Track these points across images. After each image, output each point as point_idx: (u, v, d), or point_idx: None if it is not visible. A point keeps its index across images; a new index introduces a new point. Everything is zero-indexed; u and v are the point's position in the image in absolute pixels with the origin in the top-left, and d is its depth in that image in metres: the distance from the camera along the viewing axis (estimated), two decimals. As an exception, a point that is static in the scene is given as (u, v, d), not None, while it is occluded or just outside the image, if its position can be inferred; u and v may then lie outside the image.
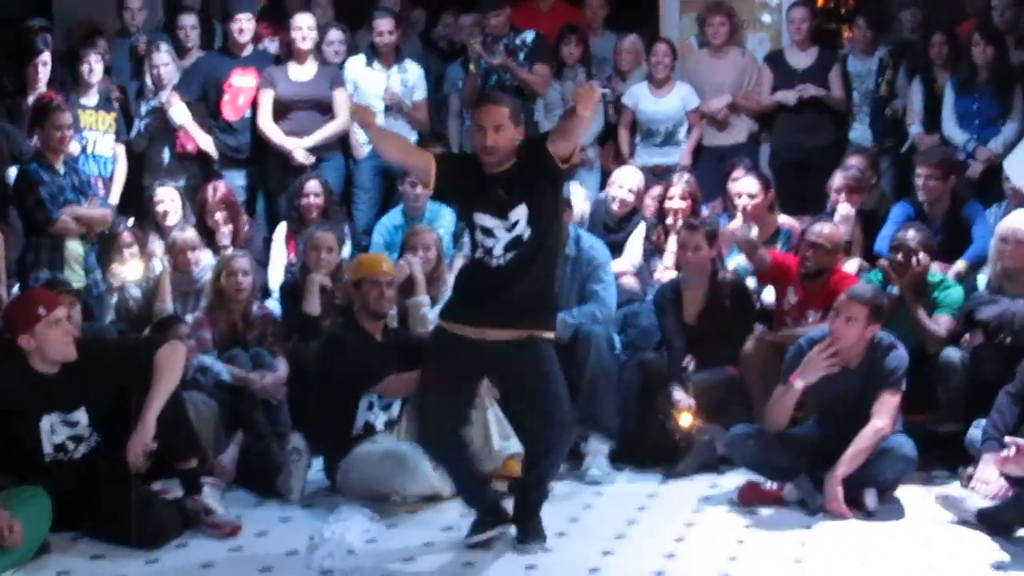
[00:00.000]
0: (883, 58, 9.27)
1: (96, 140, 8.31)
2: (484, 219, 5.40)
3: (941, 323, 6.71)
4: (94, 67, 8.44)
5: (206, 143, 8.81)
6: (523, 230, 5.35)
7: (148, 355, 5.78)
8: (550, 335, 5.50)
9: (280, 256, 8.27)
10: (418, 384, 6.11)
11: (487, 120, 5.39)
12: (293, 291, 7.44)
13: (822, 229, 7.00)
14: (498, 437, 6.32)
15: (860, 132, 9.20)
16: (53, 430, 5.68)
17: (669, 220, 7.81)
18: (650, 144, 9.11)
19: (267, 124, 8.88)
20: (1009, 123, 8.32)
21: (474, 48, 9.17)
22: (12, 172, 7.37)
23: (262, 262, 8.11)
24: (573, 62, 9.27)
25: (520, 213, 5.34)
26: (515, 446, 6.23)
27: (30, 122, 7.75)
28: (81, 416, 5.73)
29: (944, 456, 6.32)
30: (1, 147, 7.22)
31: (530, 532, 5.50)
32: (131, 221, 8.05)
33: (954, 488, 5.97)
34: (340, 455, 6.38)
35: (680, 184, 7.93)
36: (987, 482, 5.76)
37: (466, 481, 5.71)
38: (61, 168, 7.36)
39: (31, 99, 8.13)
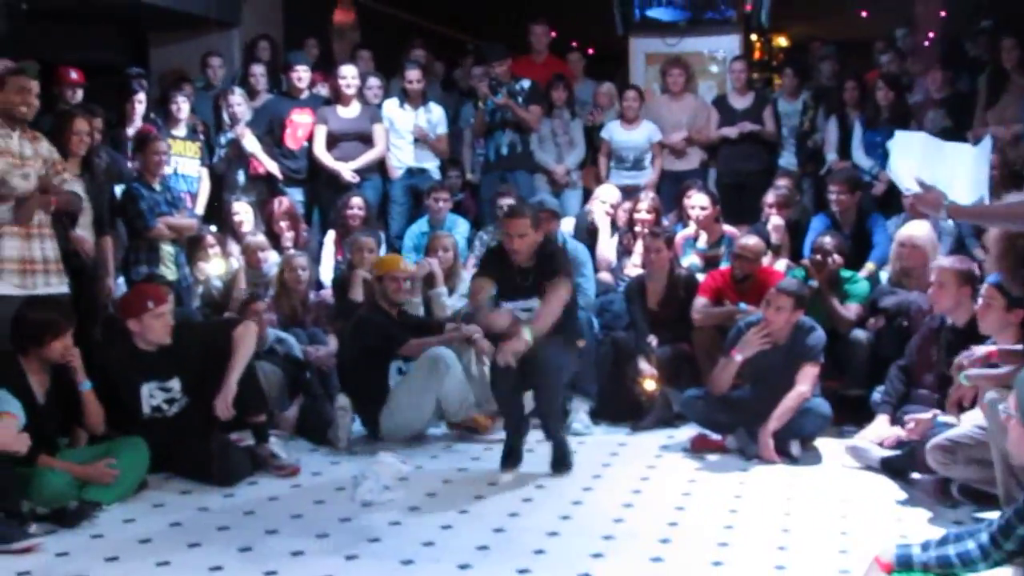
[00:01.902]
0: (806, 100, 9.31)
1: (185, 164, 8.31)
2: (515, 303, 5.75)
3: (850, 310, 6.72)
4: (181, 106, 8.43)
5: (272, 167, 8.82)
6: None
7: (226, 334, 5.82)
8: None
9: (329, 256, 8.27)
10: (423, 346, 6.43)
11: (513, 230, 5.71)
12: (342, 283, 7.45)
13: (745, 242, 7.00)
14: (473, 395, 6.49)
15: (787, 159, 9.23)
16: (151, 395, 5.72)
17: (637, 228, 7.81)
18: (621, 169, 9.13)
19: (321, 152, 8.89)
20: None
21: (482, 91, 9.18)
22: (118, 189, 7.37)
23: (316, 261, 8.12)
24: (561, 103, 9.28)
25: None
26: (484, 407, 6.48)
27: (133, 149, 7.76)
28: (175, 383, 5.77)
29: (852, 414, 6.31)
30: (109, 168, 7.20)
31: (557, 460, 5.79)
32: (213, 228, 8.08)
33: (860, 440, 5.98)
34: (379, 407, 6.43)
35: (646, 200, 7.93)
36: (880, 435, 5.77)
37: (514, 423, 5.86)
38: (157, 186, 7.36)
39: (130, 131, 8.14)
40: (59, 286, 5.89)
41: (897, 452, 5.51)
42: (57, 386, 5.35)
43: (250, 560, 4.56)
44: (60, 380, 5.35)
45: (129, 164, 7.76)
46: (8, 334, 5.29)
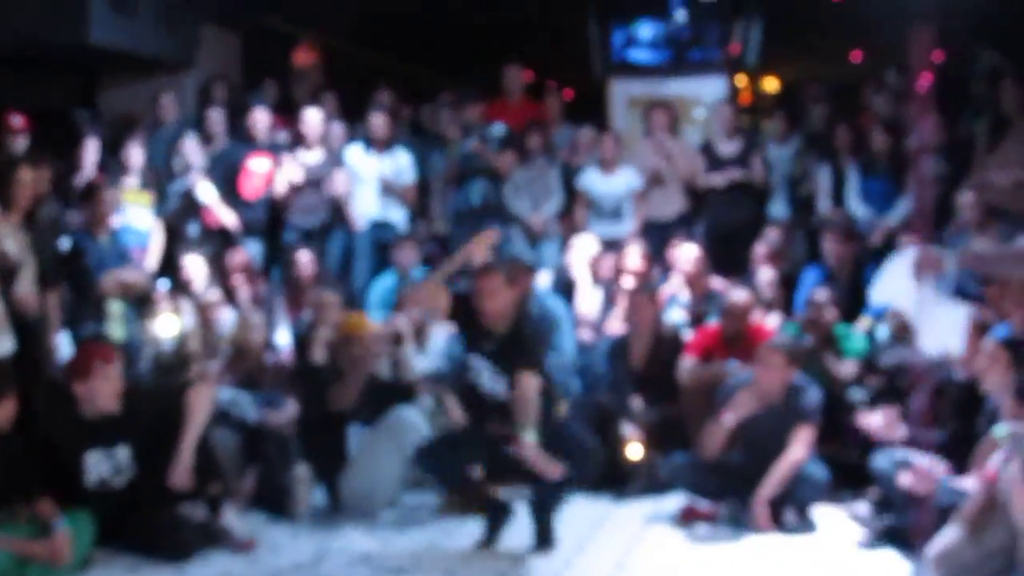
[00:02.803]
0: (798, 145, 9.37)
1: (136, 215, 8.29)
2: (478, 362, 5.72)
3: (847, 367, 6.75)
4: (134, 153, 8.44)
5: (229, 218, 8.80)
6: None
7: (178, 399, 5.78)
8: None
9: (282, 315, 8.25)
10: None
11: (485, 288, 5.66)
12: (301, 343, 7.41)
13: (734, 300, 7.03)
14: None
15: (778, 208, 9.25)
16: (97, 464, 5.65)
17: (623, 282, 7.82)
18: (599, 218, 9.11)
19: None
20: (903, 200, 8.40)
21: (452, 136, 9.21)
22: (64, 243, 7.33)
23: (274, 319, 8.09)
24: (536, 149, 9.30)
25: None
26: None
27: (80, 199, 7.73)
28: (122, 452, 5.71)
29: (850, 480, 6.28)
30: (55, 221, 7.18)
31: (540, 535, 5.69)
32: (165, 283, 8.03)
33: (861, 508, 5.97)
34: (338, 474, 6.38)
35: (636, 249, 7.97)
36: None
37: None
38: (105, 239, 7.33)
39: (78, 180, 8.11)
40: (5, 346, 5.85)
41: (895, 521, 5.49)
42: (2, 455, 5.27)
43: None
44: (4, 448, 5.27)
45: (75, 216, 7.73)
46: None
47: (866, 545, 5.56)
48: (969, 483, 4.99)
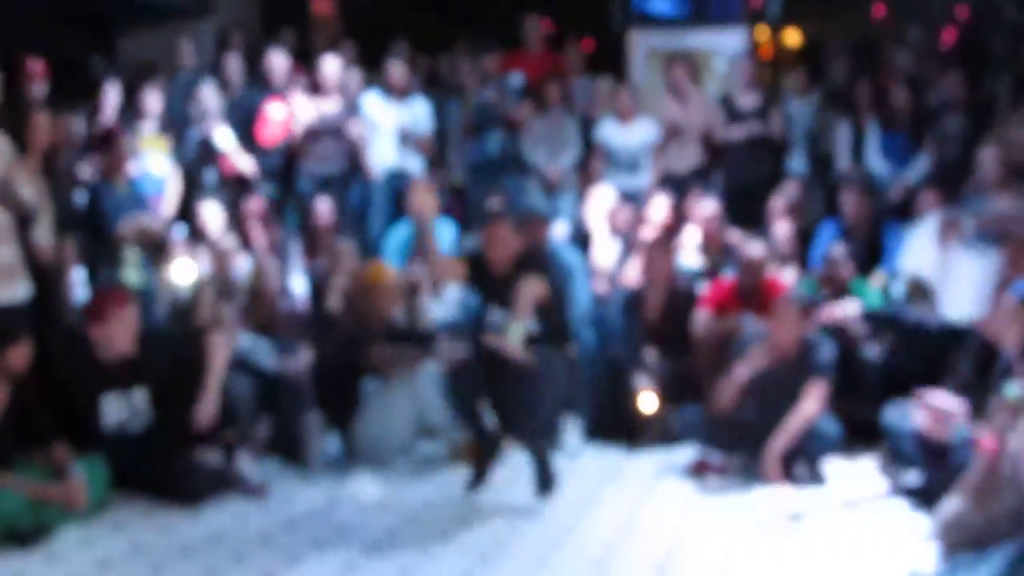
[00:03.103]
0: (817, 101, 9.32)
1: (153, 162, 8.30)
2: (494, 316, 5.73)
3: (851, 306, 6.73)
4: (151, 99, 8.44)
5: (246, 164, 8.80)
6: None
7: (196, 344, 5.82)
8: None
9: (298, 263, 8.27)
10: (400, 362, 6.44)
11: (492, 237, 5.77)
12: (317, 291, 7.45)
13: (750, 254, 7.02)
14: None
15: (797, 163, 9.22)
16: (113, 408, 5.71)
17: (642, 234, 7.82)
18: (616, 170, 9.10)
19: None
20: (922, 155, 8.37)
21: (470, 87, 9.18)
22: (81, 189, 7.35)
23: (290, 267, 8.12)
24: (555, 100, 9.26)
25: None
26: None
27: (97, 146, 7.74)
28: (139, 396, 5.76)
29: (862, 436, 6.29)
30: (73, 168, 7.20)
31: (540, 480, 5.73)
32: (182, 230, 8.06)
33: (872, 463, 5.99)
34: (352, 422, 6.42)
35: (662, 201, 7.96)
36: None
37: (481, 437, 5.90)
38: (122, 186, 7.35)
39: (96, 127, 8.12)
40: (20, 292, 5.90)
41: (920, 483, 5.50)
42: (16, 400, 5.32)
43: (216, 586, 4.57)
44: (17, 396, 5.32)
45: (93, 162, 7.74)
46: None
47: (889, 497, 5.57)
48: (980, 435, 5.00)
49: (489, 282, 5.81)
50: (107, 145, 7.42)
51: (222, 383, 5.89)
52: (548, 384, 5.72)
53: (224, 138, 8.74)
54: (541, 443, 5.80)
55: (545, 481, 5.74)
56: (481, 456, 5.84)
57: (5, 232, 5.88)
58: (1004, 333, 5.29)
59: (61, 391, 5.57)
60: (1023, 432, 4.41)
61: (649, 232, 7.73)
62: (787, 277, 7.35)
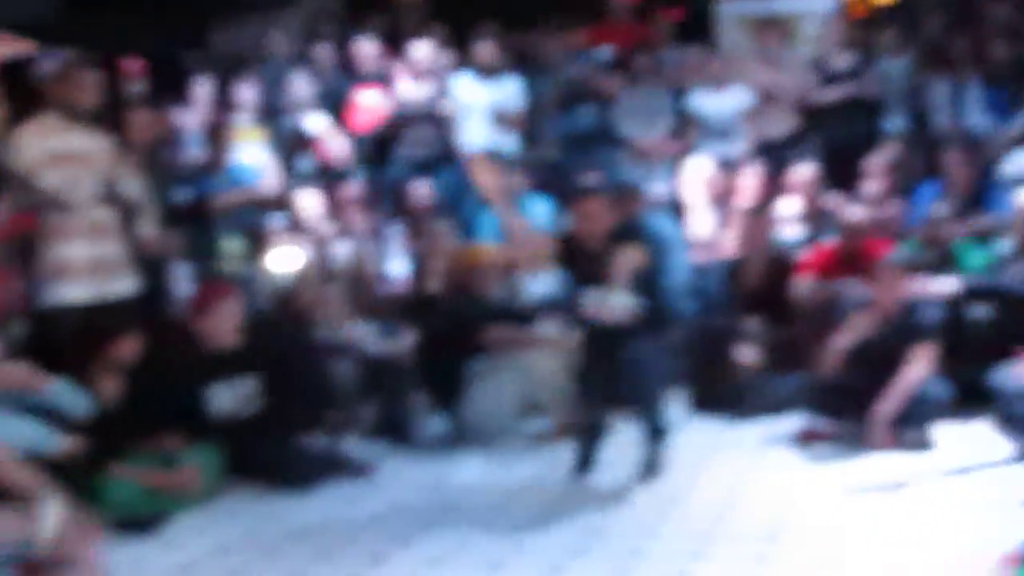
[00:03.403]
0: (912, 58, 9.16)
1: (248, 153, 8.42)
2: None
3: (949, 283, 6.60)
4: (244, 91, 8.55)
5: (340, 149, 8.88)
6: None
7: (298, 329, 5.92)
8: None
9: (397, 246, 8.34)
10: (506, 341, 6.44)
11: (584, 213, 5.66)
12: (418, 274, 7.51)
13: (850, 217, 6.93)
14: None
15: (893, 123, 9.07)
16: (222, 397, 5.81)
17: (737, 203, 7.76)
18: (711, 139, 9.02)
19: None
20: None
21: (559, 63, 9.16)
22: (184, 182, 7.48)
23: (387, 251, 8.19)
24: (644, 72, 9.21)
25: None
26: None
27: (203, 140, 7.82)
28: (247, 383, 5.86)
29: (972, 398, 6.16)
30: (173, 162, 7.34)
31: (647, 464, 5.65)
32: (281, 219, 8.16)
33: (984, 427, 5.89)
34: (458, 403, 6.46)
35: (751, 173, 7.89)
36: None
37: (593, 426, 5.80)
38: (222, 178, 7.46)
39: (192, 119, 8.25)
40: (130, 286, 6.05)
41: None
42: (128, 391, 5.45)
43: (329, 567, 4.64)
44: (129, 387, 5.45)
45: (193, 155, 7.88)
46: (76, 340, 5.44)
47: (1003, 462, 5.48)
48: None
49: (583, 260, 5.72)
50: (212, 138, 7.53)
51: (326, 368, 5.99)
52: (652, 362, 5.68)
53: (317, 123, 8.83)
54: (659, 426, 5.72)
55: (652, 465, 5.67)
56: (588, 440, 5.80)
57: (112, 228, 6.01)
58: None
59: (170, 381, 5.68)
60: None
61: (743, 201, 7.66)
62: (887, 239, 7.24)
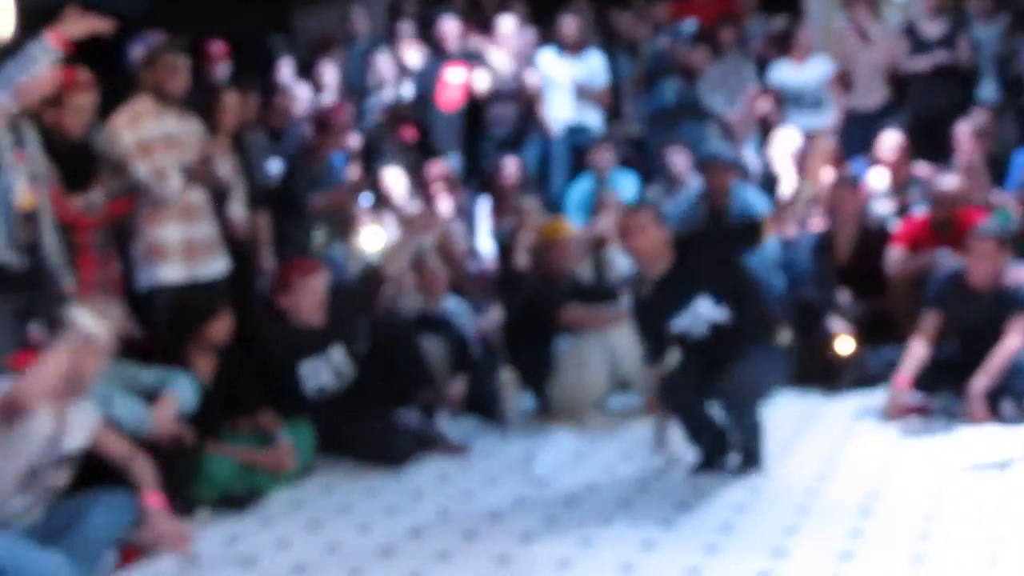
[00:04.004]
0: (1005, 23, 8.98)
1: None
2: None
3: None
4: (327, 71, 8.62)
5: (481, 82, 8.87)
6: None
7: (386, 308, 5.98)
8: None
9: (485, 223, 8.37)
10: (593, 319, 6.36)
11: (631, 224, 5.24)
12: (505, 250, 7.54)
13: (941, 185, 6.83)
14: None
15: (987, 90, 8.91)
16: (314, 373, 5.87)
17: (822, 175, 7.67)
18: (798, 109, 8.92)
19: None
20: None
21: (643, 37, 9.13)
22: (274, 166, 7.54)
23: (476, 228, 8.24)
24: (729, 44, 9.15)
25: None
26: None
27: (315, 127, 7.83)
28: (337, 355, 5.92)
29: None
30: (263, 144, 7.41)
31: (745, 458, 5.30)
32: (368, 199, 8.22)
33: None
34: (546, 379, 6.48)
35: (823, 147, 7.80)
36: None
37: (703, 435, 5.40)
38: (318, 165, 7.50)
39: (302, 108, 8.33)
40: (221, 267, 6.15)
41: None
42: (222, 371, 5.54)
43: (422, 541, 4.70)
44: (225, 365, 5.55)
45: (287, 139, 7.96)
46: (171, 321, 5.55)
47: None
48: None
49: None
50: (324, 127, 7.52)
51: (417, 343, 6.05)
52: (761, 389, 5.34)
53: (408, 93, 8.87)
54: (755, 422, 5.32)
55: (753, 456, 5.30)
56: (711, 452, 5.42)
57: (204, 210, 6.11)
58: None
59: (262, 360, 5.76)
60: None
61: (829, 173, 7.57)
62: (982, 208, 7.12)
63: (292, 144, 7.86)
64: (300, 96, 8.65)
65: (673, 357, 5.33)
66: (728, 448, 5.37)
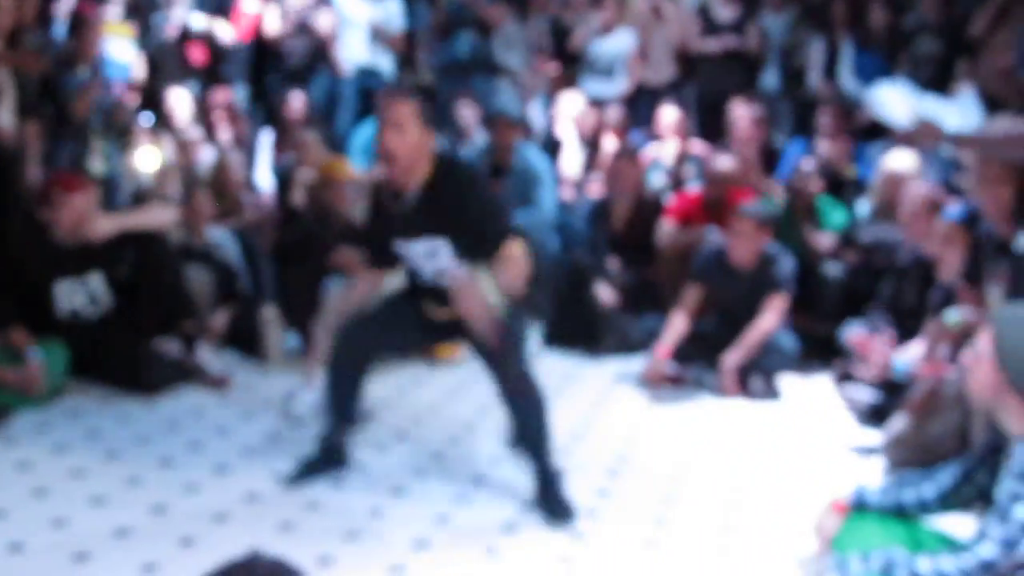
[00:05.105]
0: (793, 16, 9.27)
1: (117, 47, 8.19)
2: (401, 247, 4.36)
3: (824, 240, 6.79)
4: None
5: (226, 34, 8.64)
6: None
7: (155, 236, 5.80)
8: None
9: (266, 156, 8.23)
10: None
11: (390, 117, 4.12)
12: (283, 184, 7.42)
13: (716, 165, 7.04)
14: None
15: (769, 78, 9.21)
16: (68, 294, 5.67)
17: (605, 144, 7.82)
18: (592, 75, 9.06)
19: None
20: (898, 77, 8.34)
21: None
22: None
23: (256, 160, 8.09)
24: (539, 7, 9.18)
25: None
26: None
27: (68, 30, 7.55)
28: (95, 281, 5.73)
29: (820, 353, 6.34)
30: (41, 49, 7.08)
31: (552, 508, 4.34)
32: (148, 118, 7.97)
33: (827, 380, 6.09)
34: (313, 321, 6.41)
35: (613, 118, 7.95)
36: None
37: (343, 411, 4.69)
38: (87, 70, 7.25)
39: (63, 9, 7.97)
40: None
41: (871, 400, 5.57)
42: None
43: (170, 472, 4.61)
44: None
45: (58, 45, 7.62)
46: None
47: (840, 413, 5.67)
48: (916, 362, 5.09)
49: (387, 206, 4.40)
50: (79, 29, 7.26)
51: (181, 274, 5.89)
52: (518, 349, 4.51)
53: (199, 20, 8.62)
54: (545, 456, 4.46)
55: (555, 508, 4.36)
56: (337, 431, 4.71)
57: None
58: (941, 257, 5.34)
59: (17, 275, 5.53)
60: (968, 354, 4.47)
61: (611, 143, 7.72)
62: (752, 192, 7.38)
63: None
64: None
65: (394, 281, 4.59)
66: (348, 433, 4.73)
